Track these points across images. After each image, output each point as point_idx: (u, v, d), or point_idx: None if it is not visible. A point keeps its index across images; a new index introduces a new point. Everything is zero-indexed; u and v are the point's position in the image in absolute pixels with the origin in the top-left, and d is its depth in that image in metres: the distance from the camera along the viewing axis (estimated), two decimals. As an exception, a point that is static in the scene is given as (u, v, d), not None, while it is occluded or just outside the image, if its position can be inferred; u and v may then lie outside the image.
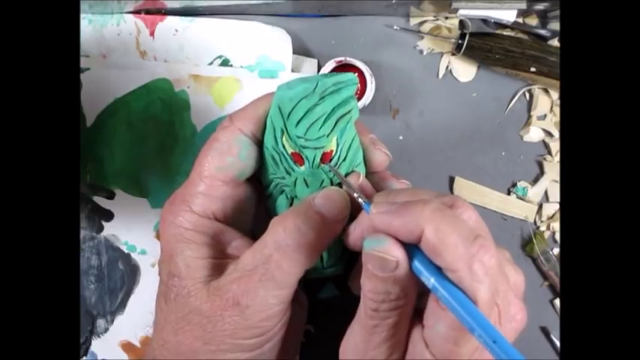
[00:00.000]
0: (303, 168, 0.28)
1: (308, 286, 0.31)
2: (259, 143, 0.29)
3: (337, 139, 0.27)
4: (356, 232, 0.27)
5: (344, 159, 0.28)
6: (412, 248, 0.24)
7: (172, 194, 0.29)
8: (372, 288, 0.24)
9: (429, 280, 0.23)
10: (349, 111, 0.27)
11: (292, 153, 0.27)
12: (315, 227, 0.26)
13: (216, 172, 0.28)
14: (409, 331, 0.25)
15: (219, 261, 0.28)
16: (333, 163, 0.28)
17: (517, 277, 0.26)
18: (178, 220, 0.28)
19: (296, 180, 0.28)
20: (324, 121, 0.26)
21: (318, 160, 0.27)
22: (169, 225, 0.28)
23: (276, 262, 0.26)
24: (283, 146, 0.27)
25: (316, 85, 0.26)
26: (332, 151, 0.28)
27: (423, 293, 0.25)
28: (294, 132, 0.27)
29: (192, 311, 0.26)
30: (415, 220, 0.22)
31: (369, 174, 0.30)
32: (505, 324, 0.24)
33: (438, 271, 0.23)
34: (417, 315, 0.25)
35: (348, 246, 0.28)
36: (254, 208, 0.31)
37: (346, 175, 0.29)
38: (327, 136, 0.27)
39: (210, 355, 0.26)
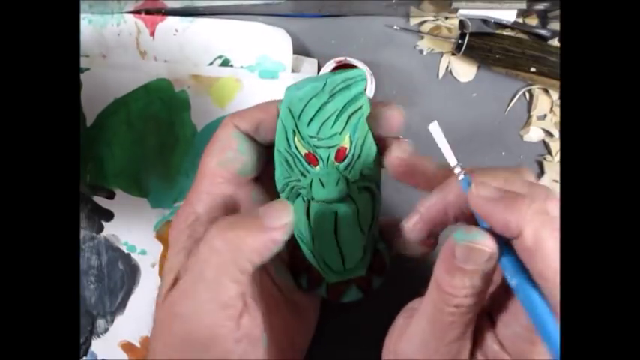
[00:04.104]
0: (317, 168, 0.27)
1: (331, 290, 0.31)
2: (257, 144, 0.29)
3: (350, 136, 0.27)
4: (437, 204, 0.25)
5: (358, 156, 0.28)
6: (500, 241, 0.23)
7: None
8: (457, 282, 0.23)
9: (512, 279, 0.23)
10: (360, 107, 0.27)
11: (306, 154, 0.27)
12: (249, 229, 0.25)
13: (218, 169, 0.28)
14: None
15: None
16: (347, 161, 0.27)
17: None
18: (179, 222, 0.28)
19: (312, 181, 0.28)
20: (336, 119, 0.26)
21: (332, 158, 0.27)
22: (171, 229, 0.28)
23: (204, 260, 0.25)
24: (296, 148, 0.27)
25: (325, 83, 0.26)
26: (346, 148, 0.27)
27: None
28: (306, 132, 0.26)
29: (158, 319, 0.27)
30: (517, 218, 0.22)
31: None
32: None
33: (523, 270, 0.23)
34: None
35: (410, 232, 0.26)
36: None
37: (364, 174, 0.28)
38: (340, 133, 0.27)
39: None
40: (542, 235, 0.22)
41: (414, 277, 0.44)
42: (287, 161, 0.28)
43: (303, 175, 0.28)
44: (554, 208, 0.23)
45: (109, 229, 0.43)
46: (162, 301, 0.27)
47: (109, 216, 0.43)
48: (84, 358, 0.43)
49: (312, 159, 0.27)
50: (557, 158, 0.42)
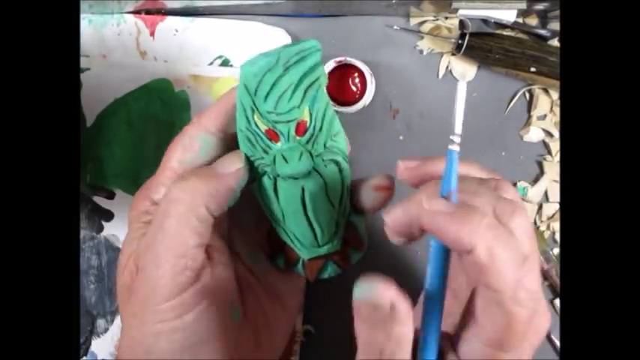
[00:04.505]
0: (279, 144, 0.27)
1: (308, 268, 0.31)
2: (228, 139, 0.29)
3: (310, 109, 0.27)
4: (401, 218, 0.24)
5: (320, 128, 0.27)
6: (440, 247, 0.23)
7: None
8: (379, 337, 0.21)
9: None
10: (317, 78, 0.26)
11: (266, 130, 0.27)
12: (203, 176, 0.26)
13: (177, 166, 0.28)
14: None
15: None
16: (308, 134, 0.27)
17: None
18: (138, 204, 0.29)
19: (275, 157, 0.27)
20: (293, 92, 0.26)
21: (292, 132, 0.27)
22: (131, 208, 0.29)
23: (163, 212, 0.26)
24: (256, 125, 0.27)
25: (279, 57, 0.26)
26: (306, 121, 0.27)
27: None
28: (263, 108, 0.26)
29: (126, 288, 0.28)
30: (469, 233, 0.21)
31: None
32: (535, 337, 0.23)
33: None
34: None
35: (387, 229, 0.25)
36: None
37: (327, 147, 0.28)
38: (299, 107, 0.26)
39: (139, 330, 0.26)
40: (495, 250, 0.21)
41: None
42: (249, 139, 0.27)
43: (265, 152, 0.27)
44: (519, 223, 0.22)
45: (109, 229, 0.43)
46: (120, 276, 0.28)
47: (109, 216, 0.43)
48: (84, 358, 0.43)
49: (272, 135, 0.27)
50: (557, 158, 0.42)
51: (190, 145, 0.28)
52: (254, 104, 0.26)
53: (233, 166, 0.27)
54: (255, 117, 0.27)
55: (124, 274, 0.28)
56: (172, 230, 0.25)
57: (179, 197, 0.26)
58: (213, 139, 0.28)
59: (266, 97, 0.26)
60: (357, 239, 0.31)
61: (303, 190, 0.28)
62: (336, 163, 0.28)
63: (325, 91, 0.27)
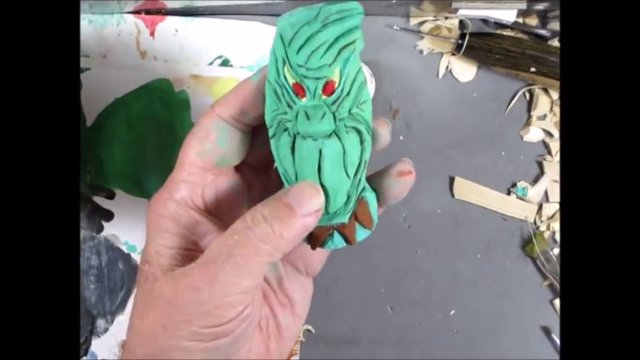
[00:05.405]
0: (304, 100, 0.26)
1: (314, 235, 0.31)
2: (244, 127, 0.29)
3: (340, 71, 0.26)
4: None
5: (347, 93, 0.27)
6: None
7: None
8: None
9: None
10: (354, 41, 0.26)
11: (293, 84, 0.26)
12: (281, 218, 0.26)
13: (196, 159, 0.28)
14: None
15: (190, 253, 0.28)
16: (335, 95, 0.27)
17: None
18: (158, 207, 0.28)
19: (297, 113, 0.27)
20: (327, 50, 0.26)
21: (319, 90, 0.26)
22: (150, 211, 0.29)
23: (240, 249, 0.26)
24: (285, 77, 0.26)
25: (319, 12, 0.26)
26: (335, 82, 0.26)
27: None
28: (295, 60, 0.26)
29: (156, 296, 0.27)
30: None
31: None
32: None
33: None
34: None
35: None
36: (243, 202, 0.31)
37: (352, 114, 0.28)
38: (330, 65, 0.26)
39: (167, 341, 0.26)
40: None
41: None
42: (276, 92, 0.27)
43: (289, 106, 0.27)
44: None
45: (109, 229, 0.43)
46: (157, 278, 0.27)
47: (109, 216, 0.43)
48: (84, 358, 0.43)
49: (299, 89, 0.26)
50: (557, 158, 0.42)
51: (207, 135, 0.28)
52: (286, 55, 0.26)
53: (315, 206, 0.26)
54: (285, 69, 0.26)
55: (148, 280, 0.27)
56: (243, 270, 0.25)
57: (256, 237, 0.26)
58: (230, 127, 0.28)
59: (299, 49, 0.26)
60: (367, 216, 0.30)
61: (320, 152, 0.28)
62: (358, 132, 0.28)
63: (358, 57, 0.27)
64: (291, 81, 0.26)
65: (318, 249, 0.32)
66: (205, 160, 0.28)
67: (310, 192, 0.27)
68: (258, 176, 0.31)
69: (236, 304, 0.26)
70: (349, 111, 0.27)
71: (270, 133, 0.28)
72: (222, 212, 0.29)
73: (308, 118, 0.27)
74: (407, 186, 0.30)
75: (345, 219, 0.29)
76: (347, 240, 0.30)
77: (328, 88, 0.27)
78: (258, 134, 0.29)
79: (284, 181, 0.29)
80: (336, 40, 0.26)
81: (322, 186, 0.28)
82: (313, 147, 0.27)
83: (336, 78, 0.26)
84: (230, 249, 0.26)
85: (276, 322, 0.31)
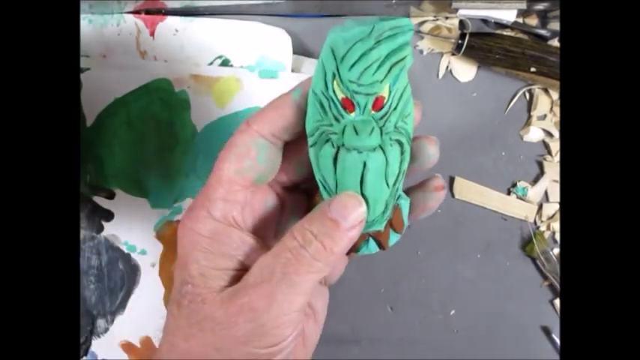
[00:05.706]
0: (353, 115, 0.27)
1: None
2: (280, 145, 0.29)
3: (390, 86, 0.27)
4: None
5: (395, 107, 0.27)
6: None
7: (193, 201, 0.29)
8: None
9: None
10: (404, 57, 0.27)
11: (343, 99, 0.27)
12: (330, 234, 0.26)
13: (235, 176, 0.28)
14: None
15: (236, 272, 0.27)
16: (384, 111, 0.27)
17: None
18: (197, 226, 0.27)
19: (345, 127, 0.27)
20: (379, 66, 0.26)
21: (369, 106, 0.27)
22: (188, 231, 0.28)
23: (293, 267, 0.26)
24: (334, 91, 0.27)
25: (372, 29, 0.26)
26: (384, 97, 0.27)
27: None
28: (347, 76, 0.26)
29: (205, 318, 0.26)
30: None
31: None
32: None
33: None
34: None
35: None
36: (277, 218, 0.31)
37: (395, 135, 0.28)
38: (381, 82, 0.26)
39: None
40: None
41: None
42: (322, 104, 0.27)
43: (336, 119, 0.27)
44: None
45: (109, 229, 0.43)
46: (205, 300, 0.27)
47: (109, 216, 0.43)
48: (84, 358, 0.43)
49: (348, 104, 0.27)
50: (557, 158, 0.42)
51: (246, 153, 0.27)
52: (337, 70, 0.26)
53: (357, 219, 0.27)
54: (335, 83, 0.26)
55: (193, 302, 0.27)
56: (298, 288, 0.26)
57: (313, 264, 0.26)
58: (269, 145, 0.28)
59: (352, 66, 0.26)
60: (400, 222, 0.31)
61: (365, 165, 0.28)
62: (400, 144, 0.28)
63: (407, 73, 0.27)
64: (341, 96, 0.27)
65: (344, 257, 0.32)
66: (245, 177, 0.28)
67: (353, 204, 0.27)
68: (286, 190, 0.31)
69: (293, 323, 0.26)
70: (395, 125, 0.28)
71: (310, 142, 0.28)
72: (259, 229, 0.29)
73: (356, 132, 0.27)
74: (439, 200, 0.31)
75: (381, 226, 0.30)
76: (380, 245, 0.31)
77: (378, 104, 0.27)
78: (284, 155, 0.29)
79: (321, 190, 0.29)
80: (388, 56, 0.26)
81: (363, 196, 0.29)
82: (358, 159, 0.28)
83: (385, 94, 0.27)
84: (284, 267, 0.26)
85: (302, 332, 0.31)
